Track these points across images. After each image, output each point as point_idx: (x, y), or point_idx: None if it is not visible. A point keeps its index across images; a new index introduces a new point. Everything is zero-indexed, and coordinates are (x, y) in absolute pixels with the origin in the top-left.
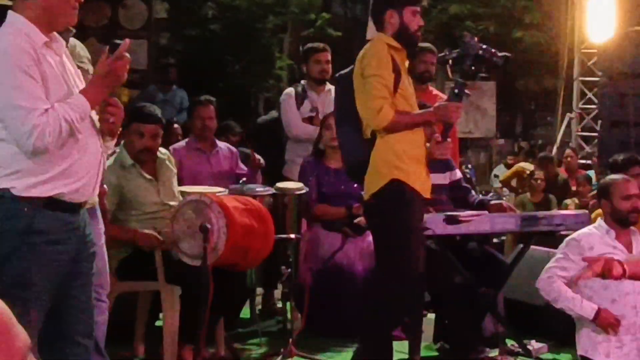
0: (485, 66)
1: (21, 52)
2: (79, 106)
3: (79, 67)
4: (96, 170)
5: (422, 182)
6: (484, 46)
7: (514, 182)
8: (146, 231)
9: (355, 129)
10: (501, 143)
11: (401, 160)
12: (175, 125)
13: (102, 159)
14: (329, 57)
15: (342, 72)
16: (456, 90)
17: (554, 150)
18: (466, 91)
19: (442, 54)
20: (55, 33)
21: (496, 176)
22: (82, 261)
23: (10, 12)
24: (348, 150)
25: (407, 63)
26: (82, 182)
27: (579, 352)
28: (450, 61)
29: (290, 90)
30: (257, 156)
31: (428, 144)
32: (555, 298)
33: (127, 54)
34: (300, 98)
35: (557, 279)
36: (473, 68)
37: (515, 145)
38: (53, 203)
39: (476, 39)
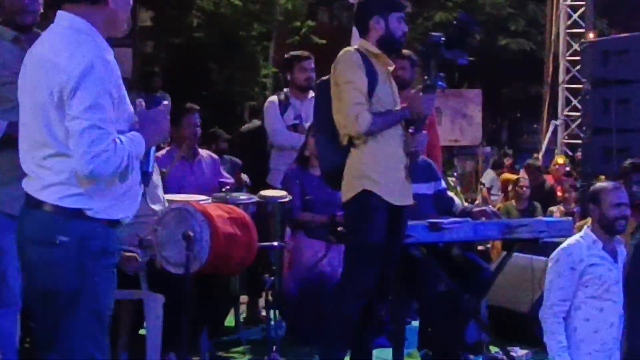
0: (463, 40)
1: (106, 69)
2: (139, 146)
3: None
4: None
5: (399, 190)
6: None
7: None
8: (127, 254)
9: (332, 136)
10: (487, 151)
11: (374, 170)
12: None
13: None
14: (313, 65)
15: (323, 78)
16: (428, 82)
17: (540, 157)
18: (440, 83)
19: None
20: None
21: (482, 184)
22: None
23: (70, 15)
24: (324, 157)
25: (391, 68)
26: (137, 203)
27: None
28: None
29: (273, 98)
30: (244, 176)
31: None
32: (547, 330)
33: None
34: (283, 106)
35: (559, 313)
36: (449, 52)
37: (501, 153)
38: (116, 224)
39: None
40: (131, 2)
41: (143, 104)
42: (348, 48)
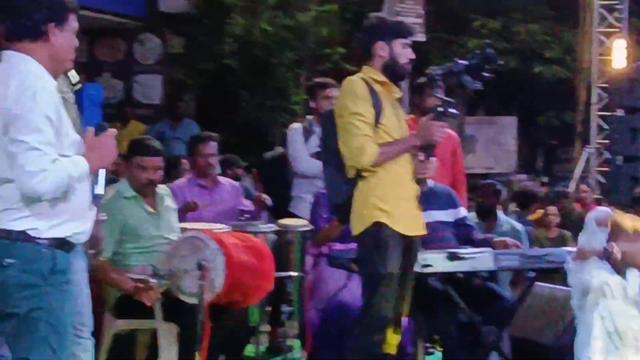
0: (487, 68)
1: (48, 95)
2: (81, 167)
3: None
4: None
5: (410, 220)
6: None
7: None
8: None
9: (338, 168)
10: (522, 178)
11: (384, 201)
12: (184, 161)
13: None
14: (337, 93)
15: (328, 109)
16: (440, 109)
17: (573, 185)
18: (451, 110)
19: (429, 71)
20: None
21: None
22: None
23: (16, 53)
24: (332, 190)
25: (397, 94)
26: (88, 224)
27: None
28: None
29: (297, 125)
30: (264, 196)
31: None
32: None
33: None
34: (307, 133)
35: None
36: (471, 80)
37: (537, 181)
38: (65, 244)
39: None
40: (75, 44)
41: (92, 131)
42: (351, 77)
